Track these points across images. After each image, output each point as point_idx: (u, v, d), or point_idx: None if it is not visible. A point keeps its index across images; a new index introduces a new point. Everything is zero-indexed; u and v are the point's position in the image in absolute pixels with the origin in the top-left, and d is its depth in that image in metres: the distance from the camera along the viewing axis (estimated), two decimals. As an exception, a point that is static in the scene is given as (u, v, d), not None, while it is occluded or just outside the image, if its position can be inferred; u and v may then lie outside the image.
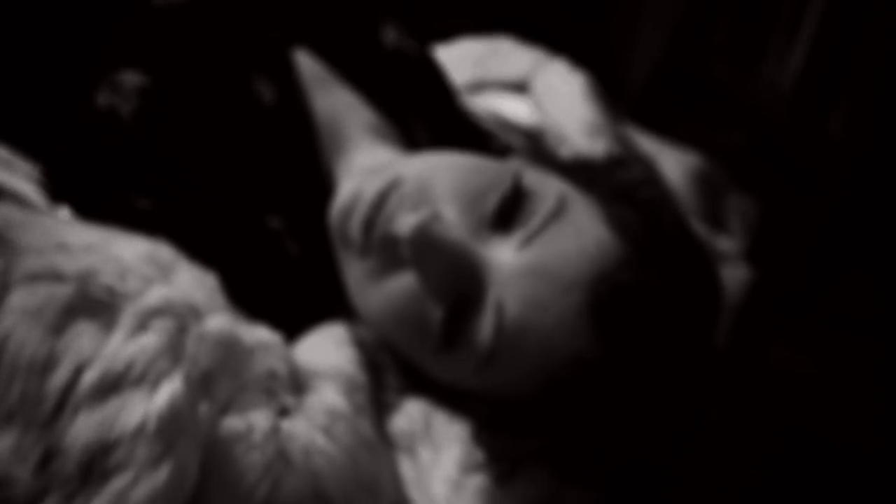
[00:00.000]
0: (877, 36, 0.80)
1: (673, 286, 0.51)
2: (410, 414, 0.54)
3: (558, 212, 0.51)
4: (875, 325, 0.79)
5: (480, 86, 0.87)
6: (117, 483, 0.40)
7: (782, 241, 0.82)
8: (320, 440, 0.46)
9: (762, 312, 0.75)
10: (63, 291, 0.44)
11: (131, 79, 0.62)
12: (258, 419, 0.45)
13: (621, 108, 0.99)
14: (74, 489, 0.40)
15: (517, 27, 1.00)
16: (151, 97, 0.61)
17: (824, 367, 0.75)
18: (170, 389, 0.42)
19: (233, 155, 0.62)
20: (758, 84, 0.97)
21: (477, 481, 0.51)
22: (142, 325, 0.44)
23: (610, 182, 0.55)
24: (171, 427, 0.41)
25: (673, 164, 0.86)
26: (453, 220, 0.51)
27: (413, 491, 0.51)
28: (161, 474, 0.40)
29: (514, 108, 0.80)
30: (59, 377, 0.42)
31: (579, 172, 0.56)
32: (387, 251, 0.52)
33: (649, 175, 0.70)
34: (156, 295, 0.45)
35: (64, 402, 0.41)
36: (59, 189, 0.58)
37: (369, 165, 0.60)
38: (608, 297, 0.49)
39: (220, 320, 0.47)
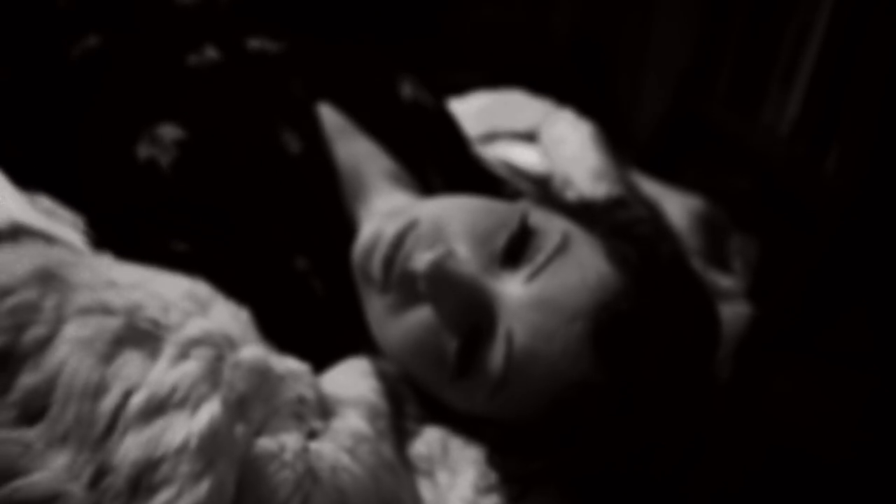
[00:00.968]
0: (868, 83, 0.85)
1: (669, 314, 0.55)
2: (429, 440, 0.58)
3: (562, 248, 0.55)
4: (870, 359, 0.82)
5: (493, 136, 0.92)
6: (162, 496, 0.44)
7: (781, 280, 0.86)
8: (346, 460, 0.50)
9: (763, 346, 0.78)
10: (112, 323, 0.48)
11: (170, 132, 0.67)
12: (289, 440, 0.49)
13: (628, 155, 1.04)
14: (124, 503, 0.44)
15: (528, 80, 1.06)
16: (188, 149, 0.66)
17: (822, 398, 0.78)
18: (209, 411, 0.46)
19: (262, 201, 0.67)
20: (758, 130, 1.01)
21: (491, 502, 0.55)
22: (183, 353, 0.48)
23: (610, 220, 0.59)
24: (211, 446, 0.45)
25: (676, 206, 0.91)
26: (466, 257, 0.55)
27: (432, 494, 0.55)
28: (202, 489, 0.44)
29: (525, 156, 0.85)
30: (110, 401, 0.46)
31: (582, 212, 0.61)
32: (405, 287, 0.57)
33: (650, 215, 0.74)
34: (195, 327, 0.50)
35: (114, 424, 0.46)
36: (101, 234, 0.63)
37: (388, 209, 0.65)
38: (609, 325, 0.53)
39: (253, 350, 0.51)
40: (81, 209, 0.65)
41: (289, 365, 0.53)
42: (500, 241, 0.56)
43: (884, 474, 0.74)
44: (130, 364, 0.47)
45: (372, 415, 0.54)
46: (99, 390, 0.46)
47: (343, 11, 1.44)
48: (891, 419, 0.79)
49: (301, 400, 0.51)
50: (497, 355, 0.54)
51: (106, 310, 0.49)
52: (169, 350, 0.48)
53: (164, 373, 0.47)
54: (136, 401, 0.46)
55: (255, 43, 0.82)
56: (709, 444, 0.69)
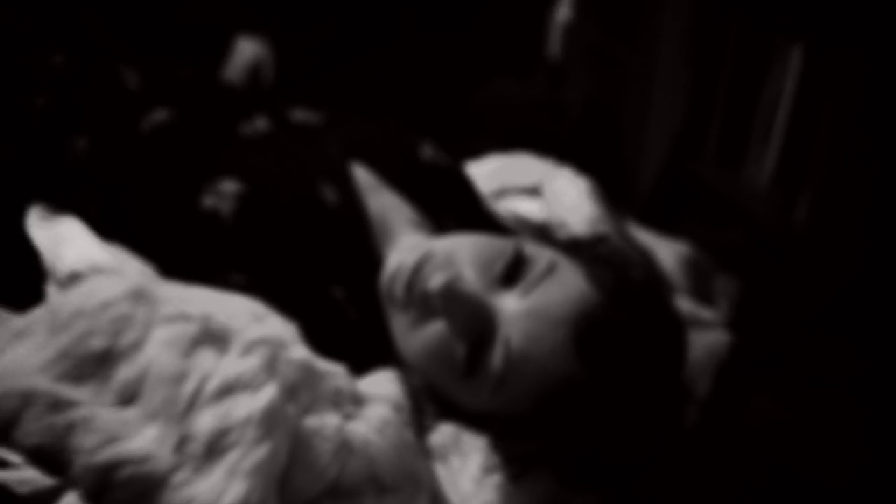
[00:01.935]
0: (830, 141, 0.97)
1: (638, 322, 0.67)
2: (443, 432, 0.70)
3: (549, 271, 0.68)
4: (844, 380, 0.92)
5: (503, 192, 1.05)
6: (231, 457, 0.56)
7: (759, 311, 0.97)
8: (375, 437, 0.62)
9: (740, 368, 0.89)
10: (190, 329, 0.62)
11: (229, 186, 0.82)
12: (329, 420, 0.61)
13: (629, 209, 1.17)
14: (201, 462, 0.56)
15: (542, 145, 1.19)
16: (245, 200, 0.80)
17: (798, 415, 0.89)
18: (268, 394, 0.59)
19: (305, 241, 0.80)
20: (741, 183, 1.14)
21: (495, 480, 0.66)
22: (247, 350, 0.61)
23: (592, 251, 0.72)
24: (269, 419, 0.58)
25: (666, 252, 1.03)
26: (471, 279, 0.68)
27: (446, 487, 0.66)
28: (262, 451, 0.57)
29: (529, 208, 0.98)
30: (189, 386, 0.59)
31: (569, 246, 0.73)
32: (423, 305, 0.69)
33: (638, 254, 0.86)
34: (255, 331, 0.63)
35: (193, 403, 0.58)
36: (168, 272, 0.76)
37: (409, 245, 0.78)
38: (587, 330, 0.65)
39: (300, 351, 0.64)
40: (149, 256, 0.79)
41: (328, 365, 0.66)
42: (499, 266, 0.69)
43: (858, 485, 0.84)
44: (205, 358, 0.60)
45: (397, 408, 0.66)
46: (181, 378, 0.59)
47: (375, 90, 1.60)
48: (865, 433, 0.89)
49: (338, 391, 0.64)
50: (497, 357, 0.66)
51: (185, 318, 0.62)
52: (235, 348, 0.61)
53: (232, 365, 0.60)
54: (211, 386, 0.59)
55: (298, 115, 0.97)
56: (691, 455, 0.80)
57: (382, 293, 0.74)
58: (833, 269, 0.94)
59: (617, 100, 1.61)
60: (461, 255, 0.70)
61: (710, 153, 1.22)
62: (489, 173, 1.10)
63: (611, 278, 0.68)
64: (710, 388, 0.86)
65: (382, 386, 0.69)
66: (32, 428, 0.55)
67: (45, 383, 0.58)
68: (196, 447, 0.57)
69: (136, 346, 0.61)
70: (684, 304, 0.93)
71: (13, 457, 0.54)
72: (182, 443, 0.57)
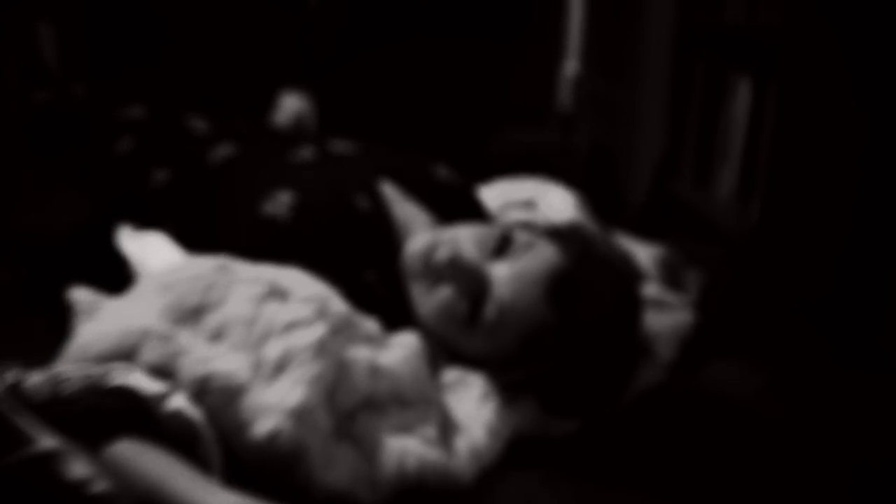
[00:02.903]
0: (772, 157, 1.17)
1: (595, 280, 0.87)
2: (451, 374, 0.91)
3: (529, 246, 0.88)
4: (789, 350, 1.11)
5: (506, 206, 1.27)
6: (295, 373, 0.77)
7: (719, 296, 1.16)
8: (399, 366, 0.83)
9: (701, 341, 1.09)
10: (260, 288, 0.83)
11: (284, 197, 1.04)
12: (364, 353, 0.82)
13: (623, 224, 1.38)
14: (270, 377, 0.77)
15: (548, 172, 1.41)
16: (297, 207, 1.02)
17: (751, 376, 1.08)
18: (319, 330, 0.80)
19: (344, 239, 1.02)
20: (709, 197, 1.34)
21: (491, 405, 0.86)
22: (302, 302, 0.82)
23: (564, 232, 0.93)
24: (320, 348, 0.79)
25: (644, 253, 1.23)
26: (470, 253, 0.89)
27: (454, 408, 0.86)
28: (315, 369, 0.77)
29: (523, 215, 1.19)
30: (260, 326, 0.80)
31: (548, 231, 0.94)
32: (434, 274, 0.91)
33: (620, 252, 1.06)
34: (309, 289, 0.84)
35: (264, 337, 0.80)
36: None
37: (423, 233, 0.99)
38: (556, 287, 0.85)
39: (342, 306, 0.85)
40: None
41: (362, 318, 0.87)
42: (491, 243, 0.90)
43: (800, 428, 1.00)
44: (271, 307, 0.82)
45: (415, 349, 0.87)
46: (254, 321, 0.81)
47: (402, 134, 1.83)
48: (806, 391, 1.07)
49: (369, 335, 0.85)
50: (491, 310, 0.87)
51: (255, 281, 0.84)
52: (294, 300, 0.83)
53: (292, 311, 0.81)
54: (276, 325, 0.80)
55: (338, 146, 1.20)
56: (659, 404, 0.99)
57: (404, 268, 0.95)
58: (778, 262, 1.14)
59: (613, 136, 1.83)
60: (462, 236, 0.92)
61: (685, 174, 1.43)
62: (496, 194, 1.31)
63: (576, 250, 0.88)
64: (674, 354, 1.05)
65: (405, 338, 0.90)
66: (150, 354, 0.77)
67: (157, 324, 0.80)
68: (267, 367, 0.78)
69: (220, 301, 0.83)
70: (654, 290, 1.13)
71: (138, 371, 0.75)
72: (257, 365, 0.78)
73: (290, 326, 0.80)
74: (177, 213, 1.19)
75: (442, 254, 0.90)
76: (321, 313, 0.82)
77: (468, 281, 0.89)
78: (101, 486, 0.67)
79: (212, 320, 0.82)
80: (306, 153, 1.18)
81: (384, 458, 0.78)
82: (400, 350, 0.86)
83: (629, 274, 0.93)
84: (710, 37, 1.40)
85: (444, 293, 0.90)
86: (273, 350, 0.79)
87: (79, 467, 0.68)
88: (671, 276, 1.20)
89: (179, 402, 0.74)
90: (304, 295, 0.84)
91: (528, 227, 1.00)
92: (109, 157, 1.41)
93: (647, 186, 1.53)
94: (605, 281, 0.88)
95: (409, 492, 0.78)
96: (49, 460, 0.67)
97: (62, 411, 0.72)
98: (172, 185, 1.25)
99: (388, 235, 1.04)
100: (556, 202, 1.18)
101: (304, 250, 1.00)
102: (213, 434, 0.74)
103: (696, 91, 1.42)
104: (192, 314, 0.82)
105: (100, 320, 0.83)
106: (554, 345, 0.87)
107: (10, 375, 0.73)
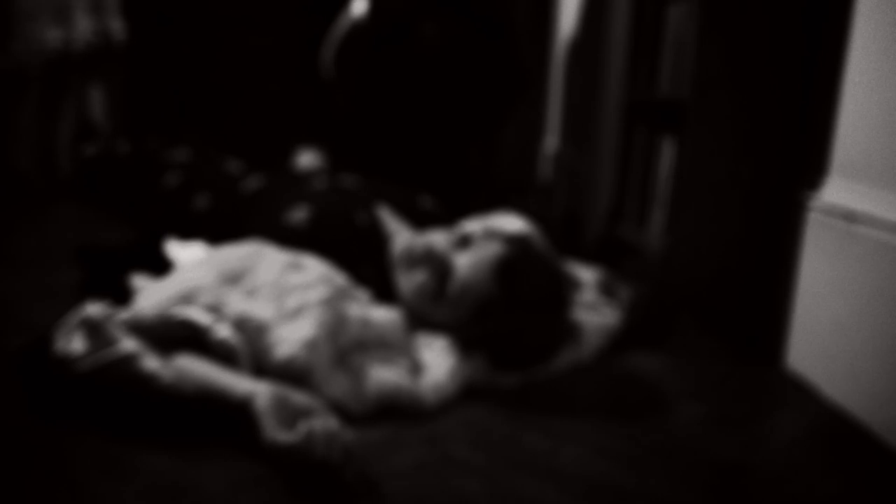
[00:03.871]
0: (673, 201, 1.50)
1: (530, 266, 1.17)
2: (424, 334, 1.20)
3: (483, 242, 1.19)
4: (698, 346, 1.41)
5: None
6: (306, 317, 1.07)
7: (641, 304, 1.46)
8: (384, 319, 1.13)
9: (625, 337, 1.38)
10: (283, 263, 1.14)
11: (302, 212, 1.36)
12: (357, 308, 1.12)
13: (583, 259, 1.68)
14: (289, 320, 1.07)
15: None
16: (313, 220, 1.34)
17: (667, 370, 1.36)
18: (326, 290, 1.10)
19: (346, 243, 1.33)
20: (644, 237, 1.65)
21: (452, 355, 1.16)
22: (314, 272, 1.13)
23: (509, 236, 1.24)
24: (326, 302, 1.09)
25: (587, 273, 1.54)
26: (441, 246, 1.20)
27: (424, 355, 1.15)
28: (322, 316, 1.07)
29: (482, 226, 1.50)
30: (283, 286, 1.11)
31: (502, 236, 1.25)
32: (412, 262, 1.21)
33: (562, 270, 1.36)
34: (319, 266, 1.15)
35: (287, 292, 1.10)
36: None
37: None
38: (500, 270, 1.16)
39: (342, 279, 1.16)
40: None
41: (358, 289, 1.17)
42: (455, 240, 1.21)
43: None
44: (291, 276, 1.12)
45: (396, 313, 1.17)
46: (277, 283, 1.11)
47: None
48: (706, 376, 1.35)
49: (363, 299, 1.15)
50: (454, 287, 1.17)
51: (279, 258, 1.15)
52: (307, 271, 1.13)
53: (306, 278, 1.12)
54: (295, 285, 1.10)
55: (345, 180, 1.53)
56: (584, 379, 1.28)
57: (390, 260, 1.26)
58: (684, 279, 1.44)
59: (578, 202, 2.16)
60: (434, 235, 1.23)
61: (629, 218, 1.75)
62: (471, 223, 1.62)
63: (519, 247, 1.19)
64: (602, 344, 1.35)
65: (389, 308, 1.20)
66: (204, 299, 1.07)
67: (207, 284, 1.10)
68: (286, 313, 1.08)
69: (254, 269, 1.13)
70: (591, 298, 1.43)
71: (196, 308, 1.05)
72: (279, 311, 1.08)
73: (304, 287, 1.11)
74: (215, 229, 1.51)
75: (419, 246, 1.21)
76: (327, 281, 1.13)
77: (437, 266, 1.19)
78: (167, 377, 0.96)
79: (248, 282, 1.12)
80: (319, 184, 1.51)
81: (368, 381, 1.07)
82: (385, 311, 1.16)
83: (558, 269, 1.23)
84: (645, 109, 1.75)
85: (420, 276, 1.21)
86: (291, 302, 1.09)
87: (151, 363, 0.97)
88: (606, 290, 1.50)
89: (225, 331, 1.03)
90: (316, 268, 1.15)
91: (486, 231, 1.31)
92: (158, 188, 1.74)
93: (600, 231, 1.85)
94: (538, 270, 1.19)
95: (385, 409, 1.07)
96: (129, 357, 0.97)
97: (142, 335, 1.02)
98: (212, 208, 1.58)
99: (380, 242, 1.36)
100: (513, 220, 1.49)
101: (317, 251, 1.31)
102: (248, 356, 1.03)
103: (636, 152, 1.76)
104: (233, 278, 1.13)
105: (165, 281, 1.13)
106: (498, 313, 1.16)
107: (102, 308, 1.03)
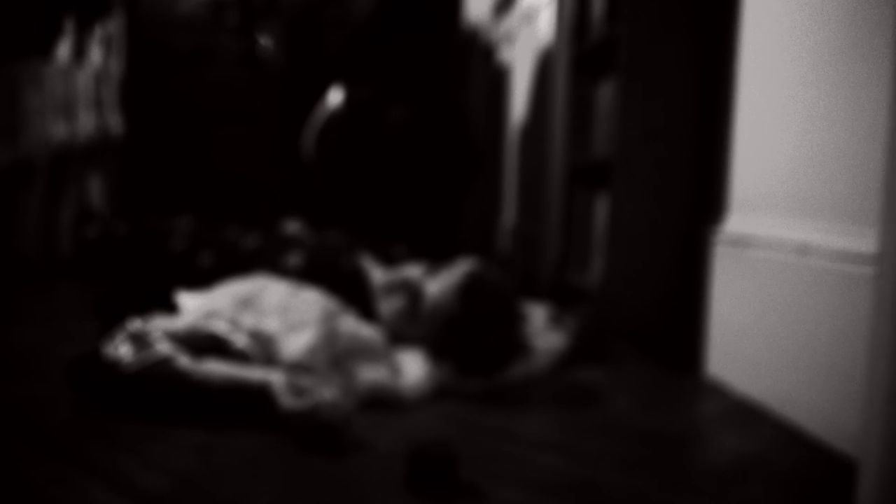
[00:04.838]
0: (608, 250, 1.79)
1: (487, 290, 1.44)
2: (402, 348, 1.45)
3: (448, 271, 1.46)
4: (630, 362, 1.67)
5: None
6: (307, 329, 1.32)
7: (583, 331, 1.72)
8: (369, 334, 1.38)
9: (571, 356, 1.64)
10: (286, 290, 1.40)
11: (297, 259, 1.63)
12: (348, 324, 1.37)
13: (537, 300, 1.95)
14: (292, 331, 1.32)
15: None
16: (305, 266, 1.61)
17: (605, 378, 1.62)
18: (324, 309, 1.35)
19: (333, 282, 1.59)
20: (587, 279, 1.94)
21: (426, 363, 1.40)
22: (312, 296, 1.39)
23: (469, 268, 1.50)
24: (324, 317, 1.34)
25: (538, 310, 1.80)
26: (414, 274, 1.47)
27: (403, 362, 1.40)
28: (321, 328, 1.32)
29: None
30: (289, 306, 1.36)
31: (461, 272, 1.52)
32: (392, 289, 1.47)
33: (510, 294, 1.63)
34: (315, 293, 1.41)
35: (290, 310, 1.35)
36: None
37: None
38: (462, 293, 1.42)
39: (335, 305, 1.41)
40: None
41: (348, 311, 1.43)
42: (425, 270, 1.47)
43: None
44: (294, 298, 1.38)
45: (379, 331, 1.42)
46: (283, 305, 1.36)
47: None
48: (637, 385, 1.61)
49: (354, 318, 1.40)
50: (427, 306, 1.43)
51: (282, 288, 1.41)
52: (306, 295, 1.39)
53: (305, 301, 1.37)
54: (296, 306, 1.36)
55: (331, 235, 1.80)
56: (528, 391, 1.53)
57: (372, 290, 1.52)
58: (618, 310, 1.72)
59: (534, 263, 2.45)
60: (408, 269, 1.50)
61: (573, 265, 2.03)
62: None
63: (478, 274, 1.46)
64: (553, 361, 1.60)
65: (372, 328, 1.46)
66: (223, 317, 1.32)
67: (225, 306, 1.35)
68: (290, 326, 1.33)
69: (262, 296, 1.39)
70: (542, 325, 1.70)
71: (221, 322, 1.30)
72: (284, 325, 1.33)
73: (304, 307, 1.36)
74: (220, 281, 1.76)
75: (396, 277, 1.47)
76: (325, 301, 1.39)
77: (412, 291, 1.45)
78: (198, 373, 1.20)
79: (258, 305, 1.37)
80: (310, 239, 1.78)
81: (358, 380, 1.31)
82: (369, 329, 1.41)
83: (509, 295, 1.50)
84: (583, 170, 2.05)
85: (396, 301, 1.47)
86: (294, 318, 1.34)
87: (185, 362, 1.21)
88: (555, 320, 1.76)
89: (242, 341, 1.28)
90: (312, 294, 1.40)
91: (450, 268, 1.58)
92: (165, 251, 2.00)
93: (551, 277, 2.14)
94: (493, 294, 1.46)
95: (372, 402, 1.31)
96: (168, 358, 1.21)
97: (176, 343, 1.26)
98: (216, 264, 1.84)
99: (360, 282, 1.62)
100: (473, 261, 1.76)
101: (311, 281, 1.56)
102: (261, 360, 1.28)
103: (578, 208, 2.06)
104: (245, 302, 1.38)
105: (188, 309, 1.38)
106: (462, 327, 1.42)
107: (142, 321, 1.28)
